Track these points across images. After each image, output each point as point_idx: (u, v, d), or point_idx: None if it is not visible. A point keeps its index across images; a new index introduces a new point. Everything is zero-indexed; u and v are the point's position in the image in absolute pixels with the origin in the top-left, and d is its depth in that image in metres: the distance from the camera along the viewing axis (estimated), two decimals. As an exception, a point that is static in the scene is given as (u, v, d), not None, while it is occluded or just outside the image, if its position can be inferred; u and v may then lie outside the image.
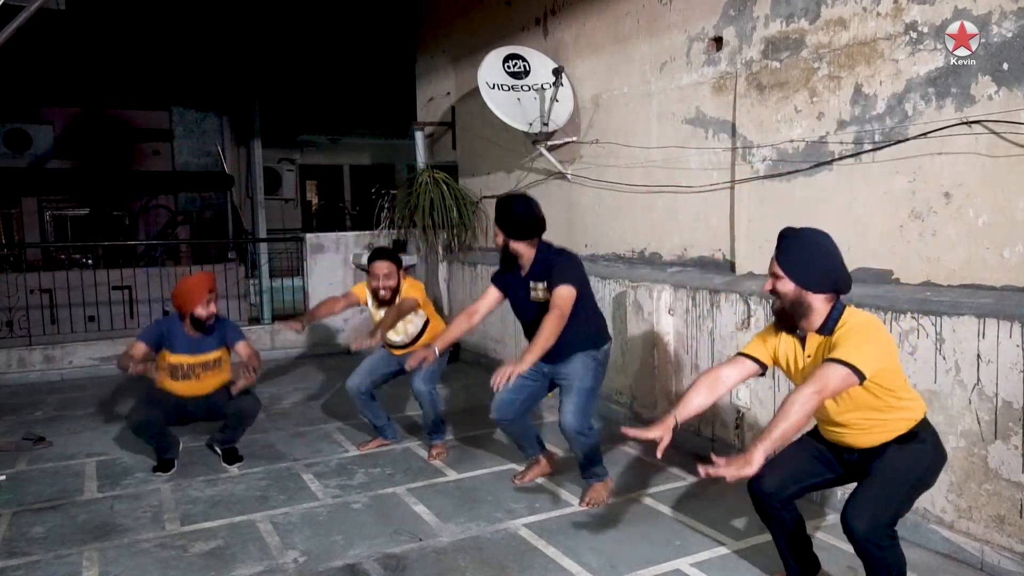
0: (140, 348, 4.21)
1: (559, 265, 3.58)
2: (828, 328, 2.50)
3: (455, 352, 7.34)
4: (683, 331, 4.52)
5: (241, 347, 4.36)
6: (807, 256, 2.52)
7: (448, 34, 7.66)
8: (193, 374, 4.29)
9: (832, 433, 2.63)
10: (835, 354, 2.36)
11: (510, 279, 3.80)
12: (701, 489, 3.91)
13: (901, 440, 2.50)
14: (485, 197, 7.07)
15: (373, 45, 9.82)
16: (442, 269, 7.60)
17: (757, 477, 2.66)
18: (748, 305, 4.05)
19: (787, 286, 2.51)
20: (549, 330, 3.40)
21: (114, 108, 13.20)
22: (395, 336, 4.52)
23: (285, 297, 8.98)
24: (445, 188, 7.05)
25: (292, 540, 3.42)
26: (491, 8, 6.79)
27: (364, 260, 7.92)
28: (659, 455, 2.53)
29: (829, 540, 3.28)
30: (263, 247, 10.04)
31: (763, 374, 2.74)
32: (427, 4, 8.08)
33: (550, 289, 3.53)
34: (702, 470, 2.26)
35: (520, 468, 4.25)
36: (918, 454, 2.50)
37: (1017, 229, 2.99)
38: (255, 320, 8.38)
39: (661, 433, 2.51)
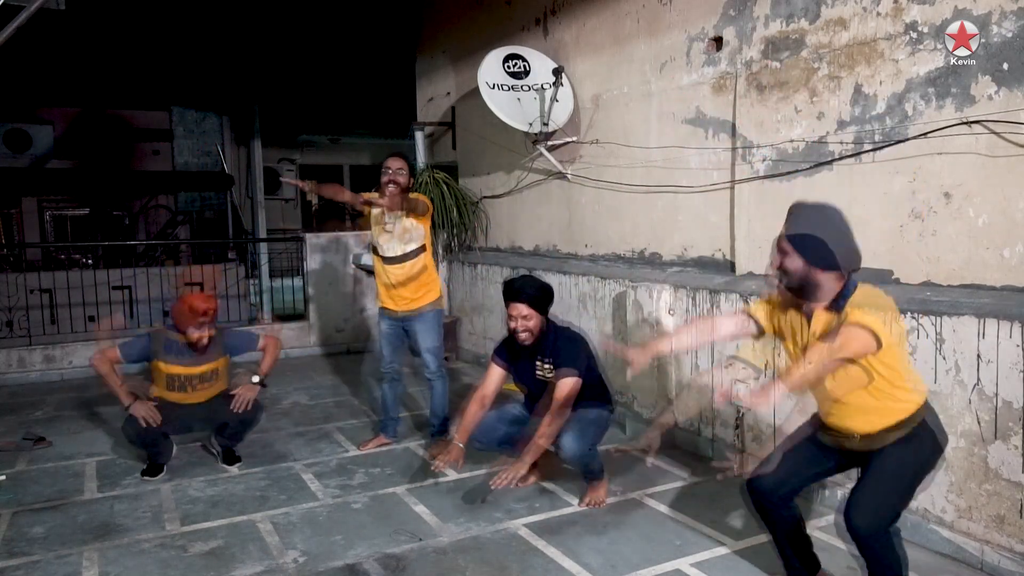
0: (114, 354, 4.14)
1: (568, 350, 3.64)
2: (839, 304, 2.42)
3: (455, 352, 7.35)
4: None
5: (264, 343, 4.41)
6: (816, 231, 2.43)
7: (448, 34, 7.66)
8: (189, 385, 4.26)
9: (833, 417, 2.58)
10: (852, 319, 2.31)
11: (517, 357, 3.81)
12: (701, 489, 3.92)
13: (901, 426, 2.46)
14: (485, 197, 7.07)
15: (373, 45, 9.82)
16: (442, 269, 7.60)
17: (755, 475, 2.66)
18: (748, 305, 4.04)
19: (795, 263, 2.42)
20: (554, 425, 3.49)
21: (114, 108, 13.20)
22: (390, 242, 4.44)
23: (285, 297, 8.98)
24: (445, 188, 7.05)
25: (292, 540, 3.42)
26: (491, 8, 6.79)
27: (364, 260, 7.97)
28: (635, 370, 2.60)
29: (829, 540, 3.28)
30: (263, 247, 10.04)
31: (758, 338, 2.71)
32: (427, 4, 8.08)
33: (556, 374, 3.60)
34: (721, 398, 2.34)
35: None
36: (917, 445, 2.47)
37: (1017, 229, 2.99)
38: (255, 320, 8.38)
39: (639, 355, 2.56)
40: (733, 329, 2.69)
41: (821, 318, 2.48)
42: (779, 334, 2.66)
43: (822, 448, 2.67)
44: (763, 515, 2.75)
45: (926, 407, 2.53)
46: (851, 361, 2.37)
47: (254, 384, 4.33)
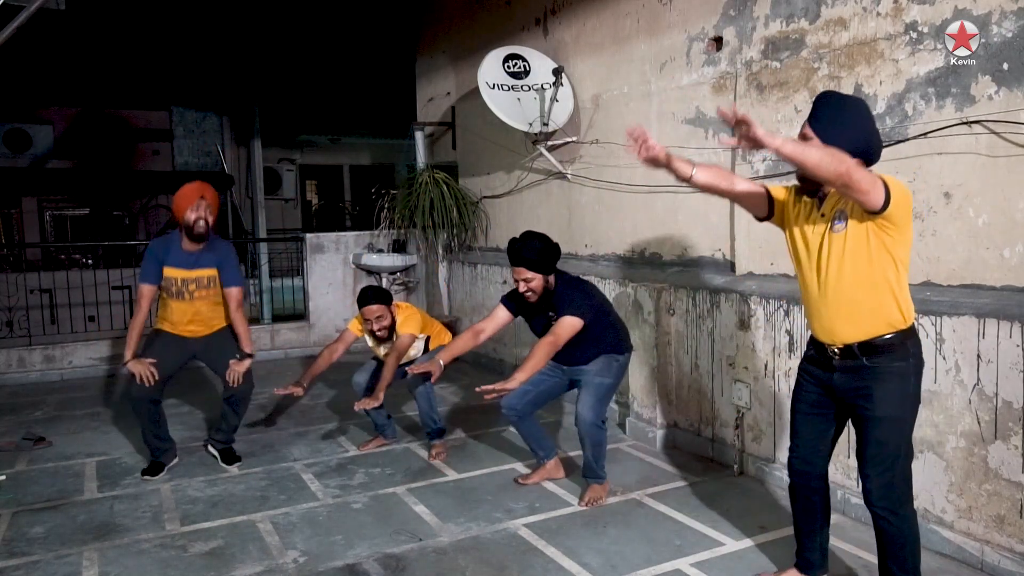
0: (148, 291, 4.18)
1: (570, 297, 3.68)
2: None
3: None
4: (683, 331, 4.52)
5: (232, 294, 4.24)
6: (841, 118, 2.41)
7: (448, 34, 7.66)
8: (187, 291, 4.20)
9: (822, 319, 2.52)
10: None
11: (529, 309, 3.87)
12: (701, 489, 3.92)
13: (885, 349, 2.43)
14: (485, 197, 7.07)
15: (373, 45, 9.82)
16: (442, 269, 7.60)
17: (791, 464, 2.73)
18: (748, 305, 4.05)
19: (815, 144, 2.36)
20: (539, 356, 3.51)
21: (114, 108, 13.19)
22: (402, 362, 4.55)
23: (285, 297, 8.98)
24: (445, 188, 7.05)
25: (292, 540, 3.42)
26: (491, 8, 6.79)
27: (364, 260, 7.98)
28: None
29: (831, 541, 3.27)
30: (263, 247, 10.04)
31: (764, 218, 2.68)
32: (427, 4, 8.08)
33: (556, 316, 3.64)
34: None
35: (520, 467, 4.26)
36: (901, 386, 2.45)
37: (1017, 229, 2.99)
38: (255, 320, 8.38)
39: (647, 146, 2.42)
40: (748, 188, 2.64)
41: (832, 200, 2.46)
42: (786, 220, 2.62)
43: (820, 403, 2.64)
44: (803, 501, 2.77)
45: (912, 331, 2.48)
46: (859, 220, 2.34)
47: (241, 359, 4.28)
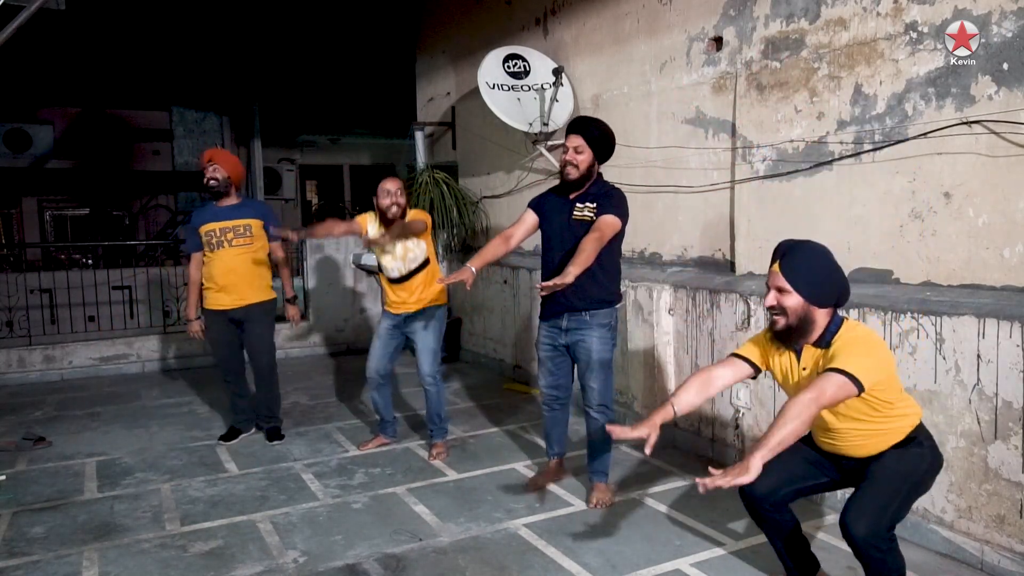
0: (195, 258, 4.74)
1: (614, 197, 3.57)
2: (825, 340, 2.46)
3: (455, 352, 7.35)
4: (683, 331, 4.52)
5: (275, 248, 4.83)
6: (815, 269, 2.45)
7: (448, 34, 7.66)
8: (225, 240, 4.60)
9: (828, 444, 2.62)
10: (834, 364, 2.33)
11: (553, 201, 3.74)
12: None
13: (898, 445, 2.49)
14: (485, 197, 7.07)
15: (373, 45, 9.83)
16: (442, 269, 7.59)
17: (751, 486, 2.65)
18: (748, 305, 4.05)
19: (793, 300, 2.42)
20: (589, 250, 3.30)
21: (114, 108, 13.20)
22: (393, 263, 4.41)
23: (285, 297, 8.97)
24: (445, 188, 7.05)
25: (292, 540, 3.42)
26: (491, 8, 6.79)
27: (364, 260, 7.97)
28: (648, 452, 2.49)
29: (829, 540, 3.28)
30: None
31: (755, 377, 2.73)
32: (427, 4, 8.08)
33: (598, 214, 3.51)
34: (700, 486, 2.21)
35: (520, 468, 4.26)
36: (915, 458, 2.48)
37: (1017, 229, 2.99)
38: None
39: (648, 431, 2.48)
40: (731, 377, 2.67)
41: (810, 355, 2.51)
42: (771, 371, 2.67)
43: (819, 457, 2.67)
44: (757, 520, 2.75)
45: (921, 427, 2.54)
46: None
47: (291, 302, 5.00)
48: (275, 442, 4.81)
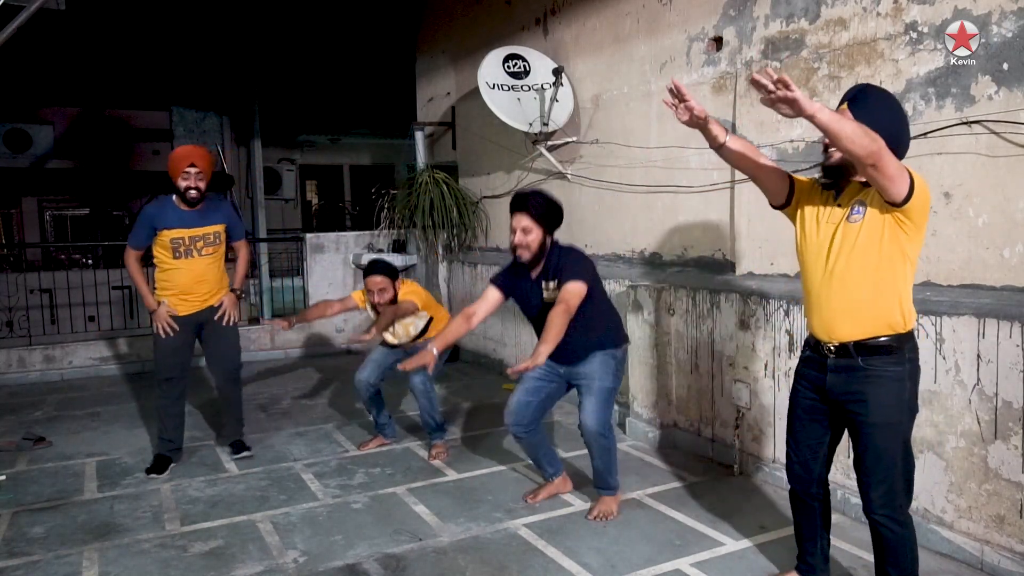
0: (136, 255, 4.29)
1: (571, 262, 3.47)
2: None
3: (455, 352, 7.35)
4: (683, 331, 4.52)
5: (241, 246, 4.51)
6: (883, 108, 2.38)
7: (448, 34, 7.66)
8: (195, 249, 4.25)
9: (821, 314, 2.50)
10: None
11: (519, 282, 3.64)
12: (701, 489, 3.92)
13: (881, 349, 2.40)
14: (485, 197, 7.07)
15: (373, 45, 9.82)
16: (442, 269, 7.60)
17: (789, 470, 2.71)
18: (748, 305, 4.05)
19: None
20: (558, 324, 3.22)
21: (114, 108, 13.20)
22: (394, 340, 4.54)
23: (285, 297, 8.98)
24: (445, 188, 7.05)
25: (292, 540, 3.42)
26: (491, 8, 6.79)
27: (364, 260, 7.97)
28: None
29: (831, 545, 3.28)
30: (263, 247, 10.04)
31: (781, 206, 2.63)
32: (427, 4, 8.08)
33: (559, 284, 3.42)
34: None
35: (520, 468, 4.26)
36: (897, 392, 2.41)
37: (1017, 229, 2.99)
38: (255, 320, 8.38)
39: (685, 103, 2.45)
40: (774, 167, 2.61)
41: (851, 190, 2.43)
42: (800, 214, 2.57)
43: (816, 410, 2.62)
44: (800, 508, 2.76)
45: (911, 336, 2.46)
46: (878, 210, 2.31)
47: (233, 294, 4.46)
48: (243, 454, 4.49)
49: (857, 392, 2.45)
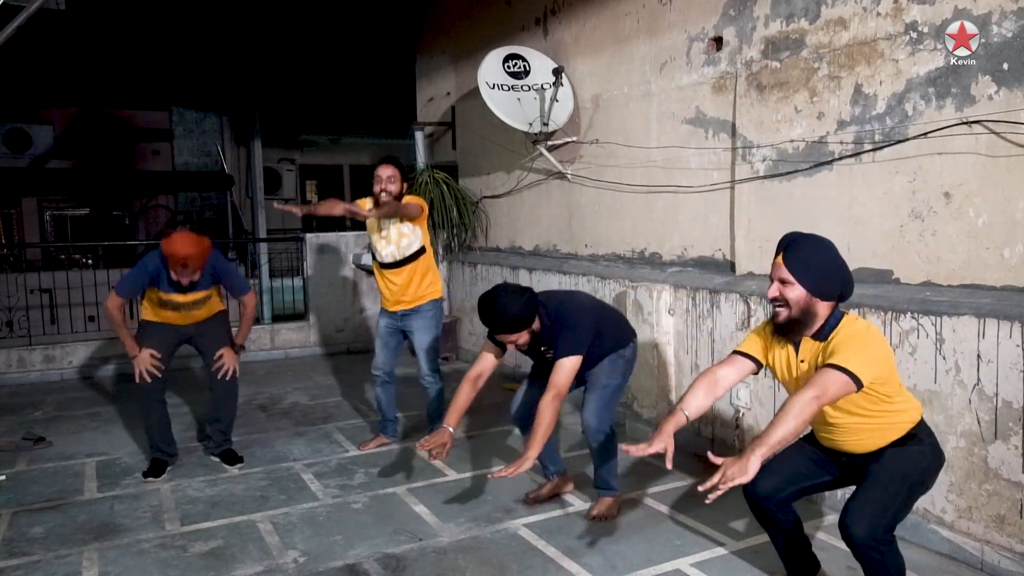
0: (120, 303, 4.13)
1: (559, 332, 3.34)
2: (824, 334, 2.45)
3: (455, 352, 7.35)
4: (683, 331, 4.52)
5: (246, 301, 4.34)
6: (819, 261, 2.44)
7: (448, 34, 7.66)
8: (184, 308, 4.22)
9: (828, 440, 2.62)
10: (833, 360, 2.32)
11: (526, 351, 3.57)
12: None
13: (898, 443, 2.48)
14: (485, 197, 7.07)
15: (373, 45, 9.83)
16: (442, 269, 7.59)
17: (753, 480, 2.65)
18: (748, 305, 4.05)
19: (796, 292, 2.41)
20: (549, 417, 3.16)
21: (114, 108, 13.20)
22: (387, 247, 4.40)
23: (285, 297, 8.98)
24: (445, 188, 7.05)
25: (292, 540, 3.42)
26: (491, 8, 6.79)
27: (364, 260, 7.97)
28: (669, 466, 2.48)
29: (829, 540, 3.28)
30: (263, 247, 10.04)
31: (757, 372, 2.72)
32: (427, 4, 8.08)
33: (554, 358, 3.32)
34: (708, 497, 2.23)
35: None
36: (916, 456, 2.47)
37: (1017, 229, 2.99)
38: (255, 320, 8.38)
39: (664, 444, 2.48)
40: (735, 376, 2.65)
41: (808, 347, 2.50)
42: (770, 365, 2.66)
43: (821, 455, 2.66)
44: (760, 519, 2.75)
45: (922, 425, 2.53)
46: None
47: (232, 350, 4.32)
48: (236, 466, 4.38)
49: (875, 461, 2.50)
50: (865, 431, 2.49)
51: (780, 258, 2.47)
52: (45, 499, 3.97)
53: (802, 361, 2.52)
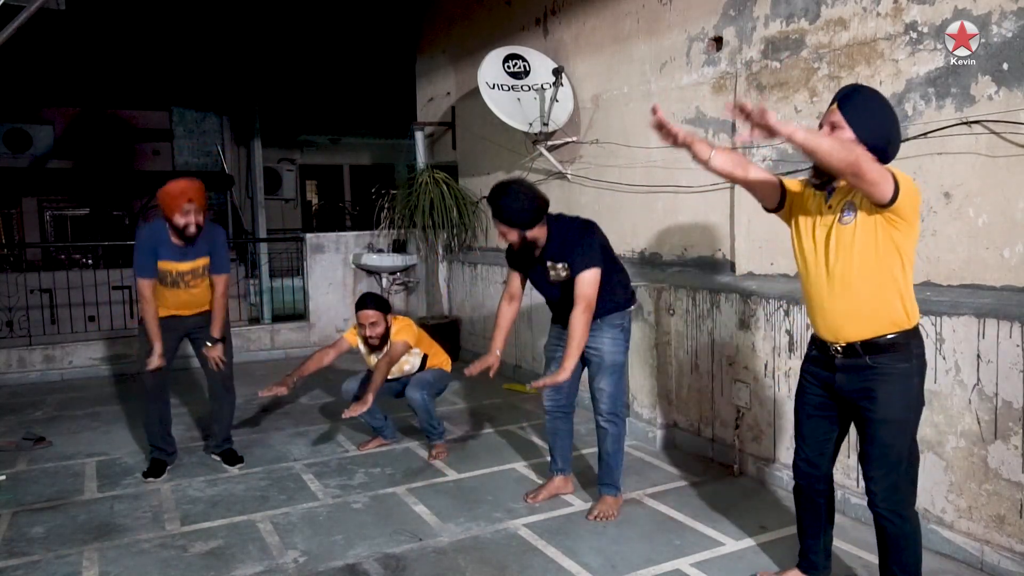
0: (150, 285, 4.07)
1: (579, 244, 3.43)
2: None
3: (455, 352, 7.34)
4: (683, 331, 4.52)
5: (219, 281, 4.24)
6: (871, 109, 2.40)
7: (448, 34, 7.66)
8: (183, 281, 4.16)
9: (824, 317, 2.51)
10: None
11: (525, 263, 3.68)
12: (701, 489, 3.92)
13: (888, 347, 2.41)
14: (485, 197, 7.06)
15: (373, 45, 9.82)
16: (442, 269, 7.60)
17: (796, 466, 2.72)
18: (748, 305, 4.05)
19: (845, 135, 2.35)
20: (581, 328, 3.33)
21: (114, 108, 13.19)
22: (394, 377, 4.58)
23: (285, 297, 8.98)
24: (445, 188, 7.05)
25: (292, 540, 3.42)
26: (491, 8, 6.79)
27: (364, 260, 7.98)
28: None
29: (838, 544, 3.27)
30: (263, 247, 10.05)
31: (774, 209, 2.65)
32: (427, 4, 8.09)
33: (572, 273, 3.41)
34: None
35: (520, 468, 4.26)
36: (904, 394, 2.43)
37: (1017, 229, 2.99)
38: (255, 320, 8.39)
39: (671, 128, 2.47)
40: (762, 176, 2.62)
41: (840, 193, 2.45)
42: (794, 218, 2.59)
43: (824, 406, 2.63)
44: (805, 505, 2.77)
45: (916, 333, 2.46)
46: (868, 211, 2.33)
47: (212, 344, 4.29)
48: (236, 466, 4.38)
49: (866, 389, 2.46)
50: (864, 301, 2.41)
51: (835, 105, 2.43)
52: (45, 499, 3.97)
53: (830, 207, 2.47)
